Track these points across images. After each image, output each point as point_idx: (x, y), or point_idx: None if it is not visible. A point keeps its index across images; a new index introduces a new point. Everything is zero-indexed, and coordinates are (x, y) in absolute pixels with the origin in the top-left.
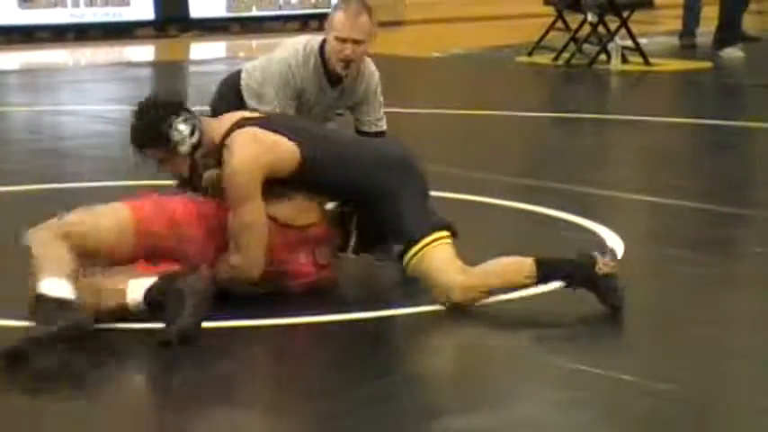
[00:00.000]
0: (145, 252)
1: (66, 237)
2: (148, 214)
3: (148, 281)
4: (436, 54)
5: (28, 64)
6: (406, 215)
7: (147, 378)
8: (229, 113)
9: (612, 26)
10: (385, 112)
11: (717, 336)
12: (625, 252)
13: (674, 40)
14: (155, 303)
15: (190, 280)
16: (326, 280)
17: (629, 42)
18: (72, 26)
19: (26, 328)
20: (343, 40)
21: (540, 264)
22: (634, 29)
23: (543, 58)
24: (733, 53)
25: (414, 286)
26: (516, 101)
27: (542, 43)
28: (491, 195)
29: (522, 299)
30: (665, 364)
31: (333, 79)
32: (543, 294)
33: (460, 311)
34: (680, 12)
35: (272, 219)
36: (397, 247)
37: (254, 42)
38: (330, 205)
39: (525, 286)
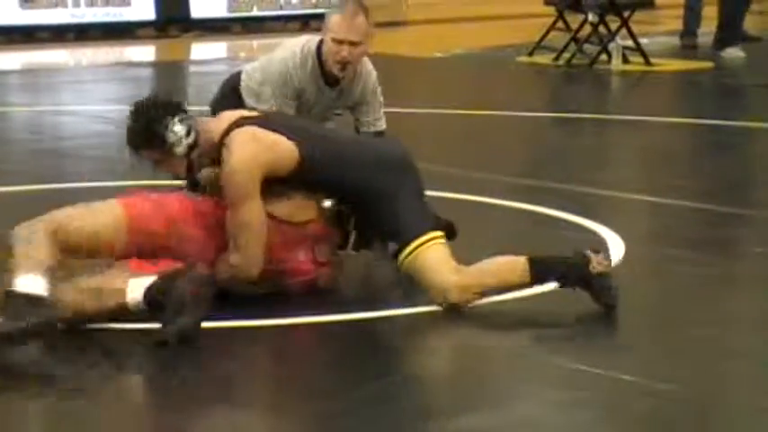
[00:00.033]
0: (138, 249)
1: (54, 232)
2: (144, 212)
3: (148, 280)
4: (438, 54)
5: (28, 64)
6: (402, 215)
7: (146, 378)
8: (228, 112)
9: (613, 26)
10: (386, 112)
11: (717, 336)
12: (625, 252)
13: (675, 40)
14: (155, 303)
15: (190, 279)
16: (326, 277)
17: (629, 42)
18: (73, 26)
19: None
20: (340, 42)
21: (532, 263)
22: (635, 29)
23: (544, 58)
24: (734, 53)
25: (414, 286)
26: (517, 101)
27: (543, 43)
28: (491, 195)
29: (521, 299)
30: (665, 364)
31: (330, 80)
32: (543, 294)
33: (458, 312)
34: (681, 12)
35: (271, 216)
36: (392, 246)
37: (255, 42)
38: (327, 203)
39: (520, 286)
